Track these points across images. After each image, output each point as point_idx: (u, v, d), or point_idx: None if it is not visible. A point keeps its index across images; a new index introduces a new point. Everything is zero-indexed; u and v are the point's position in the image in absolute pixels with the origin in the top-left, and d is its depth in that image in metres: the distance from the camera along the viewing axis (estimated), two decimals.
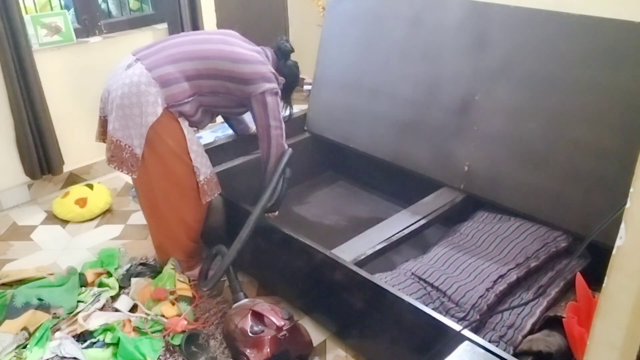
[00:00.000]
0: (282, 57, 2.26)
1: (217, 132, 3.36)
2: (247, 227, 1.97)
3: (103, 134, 2.14)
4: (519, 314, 1.69)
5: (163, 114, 1.94)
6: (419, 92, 2.37)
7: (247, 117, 2.42)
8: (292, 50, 2.28)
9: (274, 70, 2.14)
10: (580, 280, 1.63)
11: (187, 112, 2.03)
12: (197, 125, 2.18)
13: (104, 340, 1.93)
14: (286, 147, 2.18)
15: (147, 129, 1.93)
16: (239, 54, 2.07)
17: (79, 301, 2.12)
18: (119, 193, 3.02)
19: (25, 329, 1.94)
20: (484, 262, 1.88)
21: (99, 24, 3.05)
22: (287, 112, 2.44)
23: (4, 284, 2.19)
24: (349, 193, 2.86)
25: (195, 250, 2.27)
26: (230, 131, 2.71)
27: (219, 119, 2.82)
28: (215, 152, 2.50)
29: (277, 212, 2.24)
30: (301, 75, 4.52)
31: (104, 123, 2.12)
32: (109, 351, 1.89)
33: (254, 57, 2.10)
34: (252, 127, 2.49)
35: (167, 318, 2.00)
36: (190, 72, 1.99)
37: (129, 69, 1.98)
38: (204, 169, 2.09)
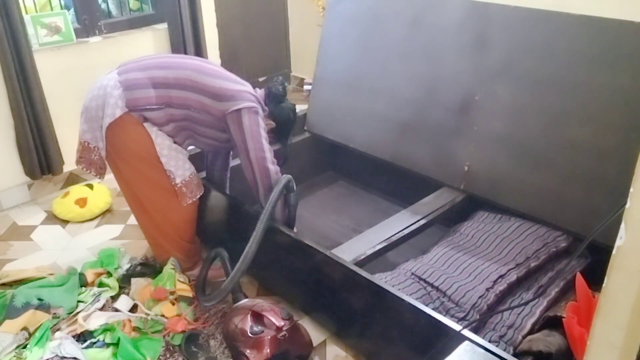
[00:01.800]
0: (273, 99, 2.09)
1: None
2: (249, 253, 1.84)
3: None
4: (519, 314, 1.69)
5: (125, 117, 1.90)
6: (419, 92, 2.37)
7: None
8: (284, 94, 2.12)
9: (257, 95, 2.02)
10: (580, 280, 1.63)
11: (154, 119, 1.94)
12: (170, 133, 2.03)
13: (104, 340, 1.93)
14: (272, 170, 1.98)
15: (104, 130, 1.92)
16: (217, 71, 1.99)
17: (79, 301, 2.12)
18: (119, 193, 3.00)
19: (25, 329, 1.94)
20: (484, 262, 1.88)
21: (99, 24, 3.05)
22: (283, 159, 2.20)
23: (4, 284, 2.19)
24: (349, 193, 2.86)
25: (192, 250, 2.26)
26: None
27: None
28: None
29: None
30: (301, 75, 4.55)
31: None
32: (109, 351, 1.89)
33: (233, 77, 2.01)
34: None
35: (167, 318, 2.00)
36: (159, 80, 1.93)
37: (106, 75, 2.00)
38: (180, 171, 2.01)
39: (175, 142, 2.03)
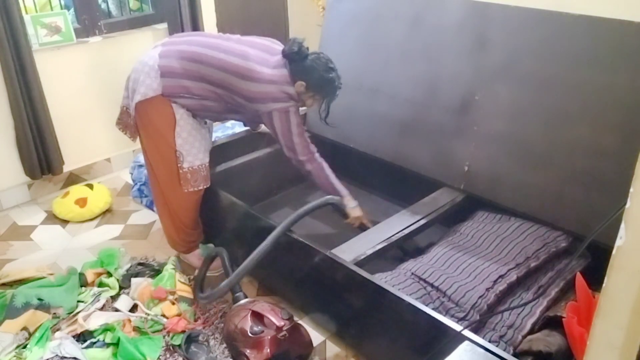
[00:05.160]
0: (291, 61, 2.07)
1: (217, 132, 3.36)
2: (255, 257, 1.90)
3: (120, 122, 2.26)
4: (519, 314, 1.69)
5: (157, 97, 2.02)
6: (419, 92, 2.37)
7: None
8: (299, 51, 2.06)
9: (287, 90, 2.04)
10: (580, 280, 1.63)
11: (187, 105, 2.06)
12: (204, 117, 2.19)
13: (104, 340, 1.93)
14: (311, 152, 2.17)
15: (134, 104, 2.05)
16: (251, 72, 2.01)
17: (79, 301, 2.12)
18: (119, 193, 3.02)
19: (25, 329, 1.94)
20: (484, 262, 1.88)
21: (99, 24, 3.05)
22: (323, 114, 2.25)
23: (4, 284, 2.19)
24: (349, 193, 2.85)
25: (191, 235, 2.32)
26: (229, 131, 2.71)
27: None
28: (215, 152, 2.50)
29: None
30: None
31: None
32: (109, 351, 1.89)
33: (265, 77, 2.02)
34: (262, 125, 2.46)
35: (167, 318, 2.00)
36: (195, 74, 2.02)
37: (152, 50, 2.11)
38: (190, 157, 2.11)
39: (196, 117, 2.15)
